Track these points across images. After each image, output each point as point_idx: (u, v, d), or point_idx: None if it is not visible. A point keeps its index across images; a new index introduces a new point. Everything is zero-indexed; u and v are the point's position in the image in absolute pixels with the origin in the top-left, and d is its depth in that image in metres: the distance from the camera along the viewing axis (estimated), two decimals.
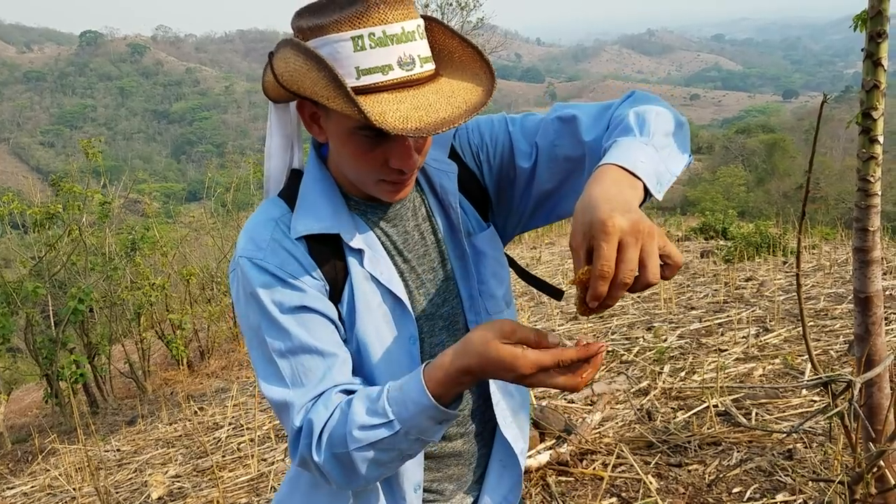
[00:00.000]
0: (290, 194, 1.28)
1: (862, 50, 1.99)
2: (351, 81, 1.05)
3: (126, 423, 6.48)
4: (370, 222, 1.28)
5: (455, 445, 1.37)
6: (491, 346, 1.03)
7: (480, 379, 1.09)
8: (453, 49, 1.19)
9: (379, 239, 1.28)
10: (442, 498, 1.41)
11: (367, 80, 1.05)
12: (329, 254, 1.22)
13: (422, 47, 1.10)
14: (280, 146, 1.31)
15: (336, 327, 1.22)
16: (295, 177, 1.30)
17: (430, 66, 1.12)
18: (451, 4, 16.23)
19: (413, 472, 1.30)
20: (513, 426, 1.39)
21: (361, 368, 1.24)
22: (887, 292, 5.12)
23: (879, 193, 2.06)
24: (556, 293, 1.41)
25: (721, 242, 10.88)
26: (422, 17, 1.14)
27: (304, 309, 1.18)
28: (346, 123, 1.12)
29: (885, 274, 5.82)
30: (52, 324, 7.68)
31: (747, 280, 6.71)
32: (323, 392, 1.16)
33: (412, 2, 1.10)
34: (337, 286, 1.23)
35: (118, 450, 5.28)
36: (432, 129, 1.03)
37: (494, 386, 1.37)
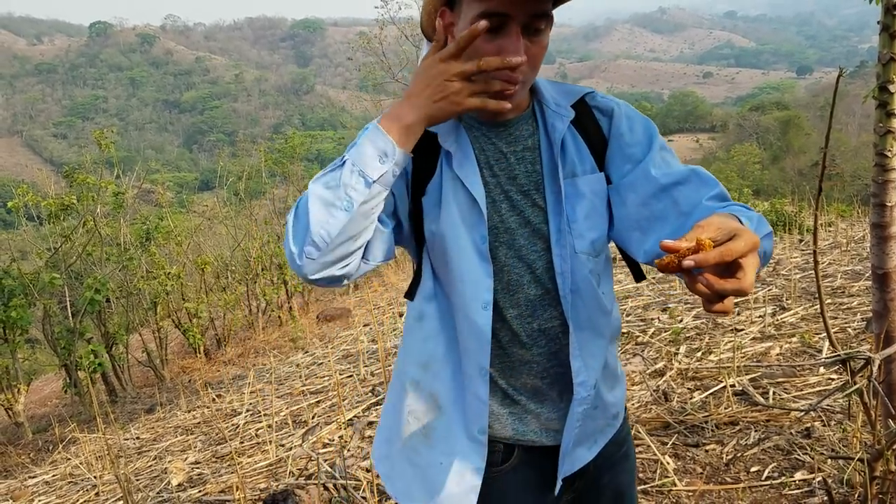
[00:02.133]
0: None
1: (878, 23, 1.96)
2: None
3: (145, 412, 6.54)
4: (472, 136, 1.39)
5: (524, 354, 1.43)
6: (424, 65, 1.21)
7: (419, 105, 1.21)
8: None
9: (474, 150, 1.38)
10: (520, 409, 1.47)
11: None
12: (424, 148, 1.34)
13: None
14: None
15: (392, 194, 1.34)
16: None
17: None
18: None
19: (477, 354, 1.39)
20: (578, 358, 1.43)
21: (442, 257, 1.38)
22: None
23: None
24: (639, 274, 1.54)
25: None
26: None
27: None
28: (471, 13, 1.22)
29: None
30: (70, 314, 7.75)
31: None
32: None
33: None
34: (423, 180, 1.37)
35: (138, 438, 5.33)
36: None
37: (569, 314, 1.42)
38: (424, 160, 1.37)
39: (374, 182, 1.20)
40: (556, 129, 1.39)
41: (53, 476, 4.81)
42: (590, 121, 1.45)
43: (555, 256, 1.39)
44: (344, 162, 1.21)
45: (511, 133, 1.41)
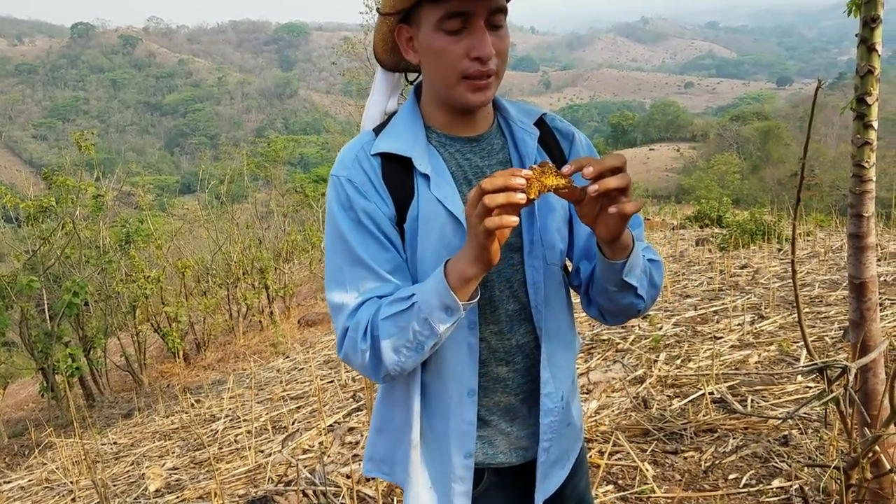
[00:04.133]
0: (381, 127, 1.45)
1: (856, 35, 1.99)
2: None
3: (123, 416, 6.48)
4: (447, 153, 1.42)
5: (500, 371, 1.46)
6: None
7: (470, 250, 1.21)
8: None
9: (450, 169, 1.40)
10: (490, 430, 1.48)
11: None
12: (400, 174, 1.37)
13: None
14: (377, 101, 1.52)
15: (394, 247, 1.37)
16: (390, 117, 1.48)
17: None
18: None
19: (464, 376, 1.41)
20: (546, 369, 1.47)
21: (420, 281, 1.38)
22: (882, 278, 5.14)
23: (874, 179, 2.06)
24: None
25: (716, 230, 10.91)
26: None
27: (366, 228, 1.35)
28: (433, 19, 1.27)
29: (879, 260, 5.84)
30: (48, 317, 7.66)
31: (742, 267, 6.73)
32: (369, 299, 1.35)
33: None
34: (403, 205, 1.37)
35: (115, 443, 5.28)
36: None
37: (540, 325, 1.45)
38: (402, 186, 1.38)
39: (440, 333, 1.28)
40: (526, 144, 1.44)
41: (29, 481, 4.75)
42: (552, 141, 1.51)
43: (527, 267, 1.42)
44: (413, 304, 1.27)
45: (484, 147, 1.44)
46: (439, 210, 1.36)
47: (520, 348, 1.46)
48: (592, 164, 1.12)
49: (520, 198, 1.10)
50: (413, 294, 1.28)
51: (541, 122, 1.51)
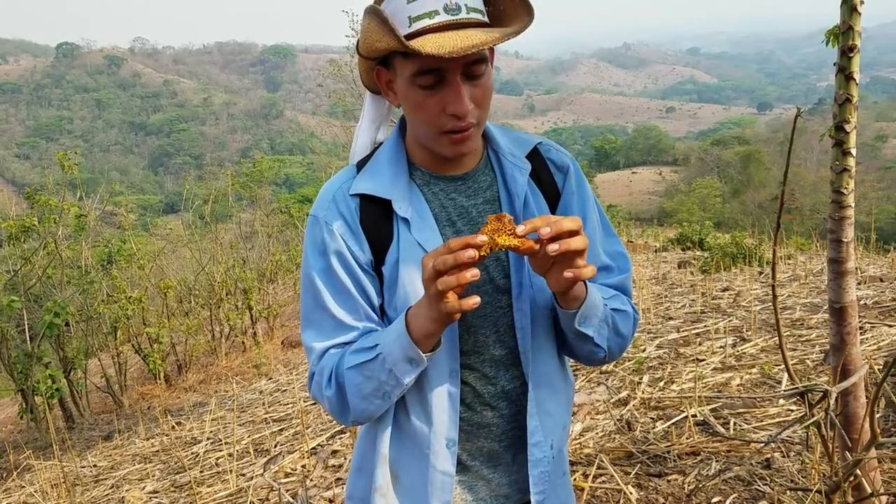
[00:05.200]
0: (364, 161, 1.42)
1: (834, 64, 2.03)
2: (403, 30, 1.18)
3: (102, 439, 6.40)
4: (430, 193, 1.39)
5: (484, 417, 1.42)
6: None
7: (427, 308, 1.21)
8: (506, 5, 1.29)
9: (433, 210, 1.37)
10: (471, 476, 1.45)
11: (416, 26, 1.19)
12: (379, 216, 1.35)
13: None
14: (367, 129, 1.49)
15: (365, 292, 1.36)
16: (376, 149, 1.44)
17: (479, 16, 1.23)
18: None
19: (444, 426, 1.37)
20: (535, 417, 1.42)
21: None
22: (862, 302, 5.19)
23: (853, 205, 2.09)
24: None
25: (698, 253, 10.98)
26: None
27: (335, 274, 1.34)
28: (406, 73, 1.24)
29: (859, 284, 5.90)
30: (28, 338, 7.57)
31: (724, 290, 6.78)
32: (333, 346, 1.36)
33: None
34: (381, 248, 1.35)
35: (95, 465, 5.20)
36: (464, 51, 1.13)
37: (528, 371, 1.41)
38: (380, 229, 1.35)
39: (405, 384, 1.30)
40: (516, 182, 1.40)
41: None
42: (545, 173, 1.47)
43: (515, 311, 1.38)
44: (378, 355, 1.28)
45: (470, 186, 1.41)
46: (420, 254, 1.32)
47: (506, 394, 1.42)
48: (550, 224, 1.13)
49: (469, 256, 1.10)
50: (377, 344, 1.28)
51: (535, 152, 1.47)
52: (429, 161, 1.39)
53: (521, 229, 1.13)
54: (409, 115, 1.32)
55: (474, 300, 1.14)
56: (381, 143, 1.46)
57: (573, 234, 1.14)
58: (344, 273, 1.34)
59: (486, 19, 1.25)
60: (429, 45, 1.14)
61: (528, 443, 1.42)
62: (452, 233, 1.37)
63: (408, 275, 1.33)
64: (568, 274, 1.15)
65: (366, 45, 1.27)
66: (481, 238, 1.12)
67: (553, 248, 1.13)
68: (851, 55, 1.97)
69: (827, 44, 2.12)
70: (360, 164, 1.42)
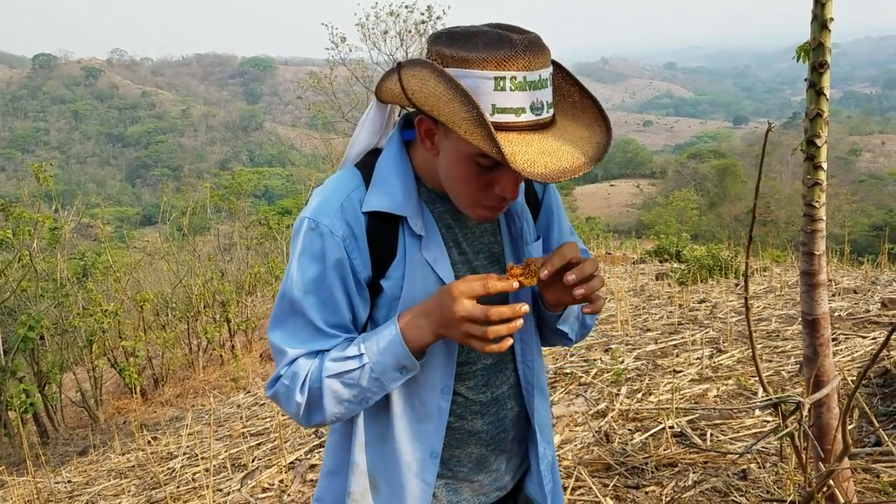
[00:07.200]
0: (365, 166, 1.38)
1: (805, 80, 2.07)
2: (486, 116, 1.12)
3: (77, 454, 6.30)
4: (436, 212, 1.37)
5: (474, 424, 1.44)
6: (444, 288, 1.24)
7: (436, 326, 1.24)
8: (572, 95, 1.30)
9: (440, 230, 1.37)
10: (455, 478, 1.47)
11: (500, 119, 1.13)
12: (386, 232, 1.33)
13: (549, 93, 1.19)
14: (366, 138, 1.42)
15: (352, 304, 1.34)
16: (372, 153, 1.40)
17: (552, 111, 1.21)
18: (409, 32, 16.33)
19: (430, 438, 1.38)
20: (536, 415, 1.51)
21: None
22: (836, 313, 5.26)
23: (824, 218, 2.13)
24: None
25: (675, 265, 11.06)
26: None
27: (326, 284, 1.31)
28: (465, 149, 1.20)
29: (833, 295, 5.98)
30: (2, 352, 7.46)
31: (701, 302, 6.83)
32: (311, 352, 1.33)
33: (549, 50, 1.19)
34: (384, 262, 1.34)
35: (69, 481, 5.12)
36: (554, 177, 1.12)
37: (528, 377, 1.49)
38: (386, 245, 1.33)
39: (391, 390, 1.31)
40: (516, 201, 1.44)
41: None
42: (528, 184, 1.52)
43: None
44: (363, 365, 1.27)
45: None
46: (427, 273, 1.33)
47: (495, 400, 1.45)
48: (576, 272, 1.23)
49: (525, 310, 1.21)
50: (362, 354, 1.28)
51: None
52: (436, 181, 1.36)
53: (544, 273, 1.24)
54: (451, 180, 1.28)
55: (508, 343, 1.22)
56: (376, 148, 1.43)
57: (593, 276, 1.25)
58: (338, 284, 1.31)
59: (554, 111, 1.23)
60: (519, 158, 1.11)
61: (537, 443, 1.50)
62: (458, 253, 1.39)
63: (411, 292, 1.33)
64: (587, 309, 1.28)
65: (428, 105, 1.18)
66: (515, 284, 1.23)
67: (579, 293, 1.23)
68: (822, 71, 2.01)
69: (798, 59, 2.16)
70: (361, 168, 1.38)
